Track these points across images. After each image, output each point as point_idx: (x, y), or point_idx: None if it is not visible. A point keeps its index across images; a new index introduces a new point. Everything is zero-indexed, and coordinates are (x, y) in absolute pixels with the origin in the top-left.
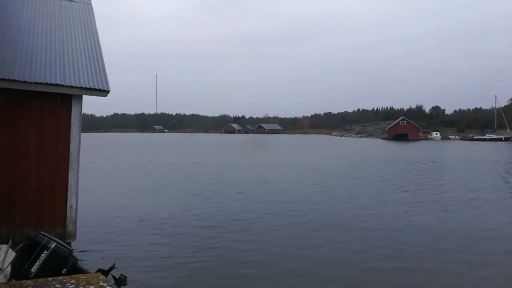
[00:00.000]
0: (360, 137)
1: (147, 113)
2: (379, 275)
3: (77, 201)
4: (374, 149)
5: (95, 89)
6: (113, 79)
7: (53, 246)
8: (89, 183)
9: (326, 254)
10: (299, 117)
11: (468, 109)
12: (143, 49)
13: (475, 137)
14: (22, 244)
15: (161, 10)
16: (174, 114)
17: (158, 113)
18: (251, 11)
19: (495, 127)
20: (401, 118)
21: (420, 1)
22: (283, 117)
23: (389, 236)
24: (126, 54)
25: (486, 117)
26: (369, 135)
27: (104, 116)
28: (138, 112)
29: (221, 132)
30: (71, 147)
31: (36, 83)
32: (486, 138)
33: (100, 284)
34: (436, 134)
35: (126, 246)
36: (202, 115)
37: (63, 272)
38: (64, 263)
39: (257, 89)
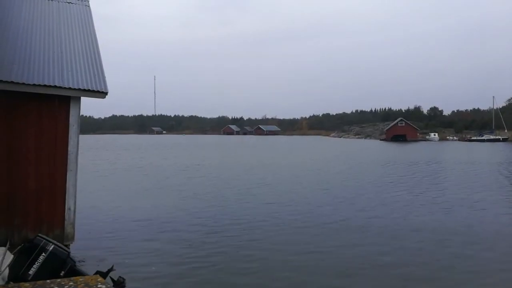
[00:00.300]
0: (358, 138)
1: (145, 115)
2: (380, 281)
3: (75, 203)
4: (372, 150)
5: (93, 91)
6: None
7: (51, 248)
8: (89, 185)
9: (325, 259)
10: (297, 118)
11: (466, 110)
12: (142, 50)
13: (473, 138)
14: (20, 247)
15: (161, 10)
16: (172, 115)
17: (156, 114)
18: (251, 11)
19: (493, 128)
20: (399, 119)
21: (420, 1)
22: (281, 118)
23: (390, 239)
24: (125, 55)
25: (484, 118)
26: (368, 136)
27: (102, 117)
28: (136, 114)
29: (219, 134)
30: (69, 148)
31: (34, 85)
32: (484, 139)
33: (99, 286)
34: (434, 135)
35: (124, 248)
36: (201, 117)
37: (61, 274)
38: (62, 265)
39: (256, 90)
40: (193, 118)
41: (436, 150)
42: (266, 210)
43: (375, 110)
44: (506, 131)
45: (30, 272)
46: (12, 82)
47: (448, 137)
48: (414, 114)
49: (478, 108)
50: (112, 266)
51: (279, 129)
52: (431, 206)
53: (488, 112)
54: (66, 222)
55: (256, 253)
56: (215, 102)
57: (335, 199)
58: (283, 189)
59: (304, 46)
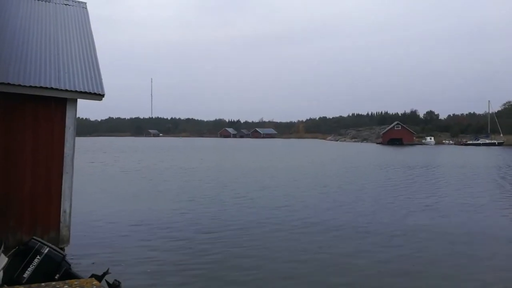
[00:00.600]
0: (355, 141)
1: (142, 117)
2: (380, 282)
3: (71, 205)
4: (369, 153)
5: (90, 93)
6: (108, 82)
7: (46, 251)
8: (85, 187)
9: (324, 263)
10: (294, 122)
11: (462, 114)
12: (140, 52)
13: (468, 142)
14: (14, 249)
15: (160, 11)
16: (169, 118)
17: (153, 117)
18: (249, 14)
19: (488, 132)
20: (396, 122)
21: (415, 6)
22: (278, 121)
23: (391, 242)
24: (122, 57)
25: (480, 122)
26: (364, 139)
27: (99, 120)
28: (133, 116)
29: (216, 136)
30: (65, 151)
31: (30, 86)
32: (480, 143)
33: None
34: (430, 138)
35: (120, 251)
36: (197, 119)
37: (56, 277)
38: (57, 268)
39: (253, 93)
40: (190, 121)
41: (433, 154)
42: (263, 214)
43: (371, 113)
44: (501, 135)
45: (25, 275)
46: (8, 83)
47: (444, 141)
48: (410, 118)
49: (474, 112)
50: (108, 269)
51: (276, 132)
52: (430, 211)
53: (484, 116)
54: (61, 225)
55: (254, 258)
56: (212, 105)
57: (333, 203)
58: (281, 193)
59: (301, 49)
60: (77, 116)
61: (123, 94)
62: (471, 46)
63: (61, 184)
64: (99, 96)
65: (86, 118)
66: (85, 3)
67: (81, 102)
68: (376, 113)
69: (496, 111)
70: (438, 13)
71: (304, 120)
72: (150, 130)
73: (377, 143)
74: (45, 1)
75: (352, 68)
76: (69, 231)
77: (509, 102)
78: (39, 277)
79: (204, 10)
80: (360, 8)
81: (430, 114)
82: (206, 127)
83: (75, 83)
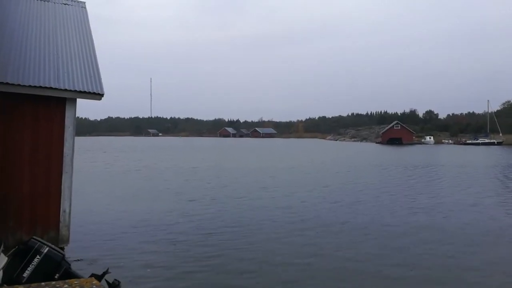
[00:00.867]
0: (354, 141)
1: (141, 117)
2: (381, 285)
3: (70, 205)
4: (369, 153)
5: (89, 93)
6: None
7: (45, 251)
8: (85, 187)
9: (324, 264)
10: (293, 121)
11: (461, 114)
12: (140, 52)
13: (468, 141)
14: (14, 249)
15: (160, 11)
16: (168, 117)
17: (153, 116)
18: (249, 14)
19: (488, 131)
20: (395, 122)
21: (414, 6)
22: (277, 121)
23: (392, 243)
24: (122, 57)
25: (479, 121)
26: (363, 139)
27: (98, 119)
28: (132, 116)
29: (215, 136)
30: (65, 150)
31: (29, 86)
32: (479, 142)
33: None
34: (430, 138)
35: (120, 251)
36: (197, 119)
37: (56, 277)
38: (57, 268)
39: (252, 93)
40: (189, 121)
41: (432, 153)
42: (264, 214)
43: (371, 113)
44: (501, 134)
45: (25, 274)
46: (7, 83)
47: (443, 141)
48: (409, 118)
49: (473, 111)
50: (107, 269)
51: (275, 132)
52: (431, 210)
53: (483, 115)
54: (61, 225)
55: (254, 257)
56: (212, 105)
57: (333, 202)
58: (281, 193)
59: (301, 49)
60: (77, 115)
61: (122, 93)
62: (471, 46)
63: (61, 184)
64: (98, 95)
65: (85, 118)
66: (84, 2)
67: (80, 102)
68: (376, 112)
69: (495, 111)
70: (438, 13)
71: (303, 119)
72: (149, 130)
73: (376, 143)
74: (44, 1)
75: (352, 68)
76: (69, 230)
77: (509, 101)
78: (39, 276)
79: (204, 10)
80: (360, 8)
81: (429, 113)
82: (206, 127)
83: (75, 82)
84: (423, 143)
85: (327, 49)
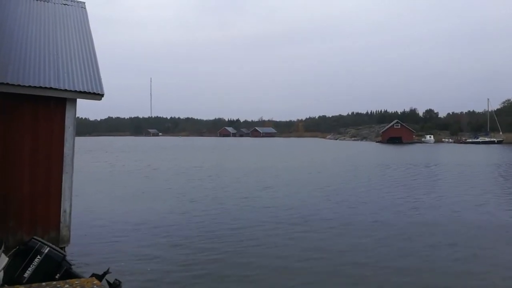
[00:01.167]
0: (354, 140)
1: (141, 117)
2: (384, 282)
3: (71, 205)
4: (369, 152)
5: (89, 93)
6: (108, 82)
7: (46, 251)
8: (86, 187)
9: (326, 265)
10: (293, 121)
11: (461, 112)
12: (139, 52)
13: (468, 140)
14: (15, 249)
15: (160, 11)
16: (168, 117)
17: (153, 116)
18: (249, 14)
19: (488, 130)
20: (395, 121)
21: (415, 5)
22: (277, 120)
23: (394, 241)
24: (122, 57)
25: (479, 120)
26: (364, 138)
27: (98, 119)
28: (132, 116)
29: (216, 136)
30: (65, 150)
31: (29, 86)
32: (479, 141)
33: None
34: (430, 137)
35: (121, 251)
36: (197, 119)
37: (56, 277)
38: (58, 268)
39: (252, 92)
40: (189, 120)
41: (433, 152)
42: (265, 214)
43: (371, 112)
44: (501, 133)
45: (25, 275)
46: (7, 83)
47: (443, 139)
48: (409, 116)
49: (473, 110)
50: (108, 269)
51: (275, 131)
52: (434, 209)
53: (483, 114)
54: (61, 225)
55: (255, 259)
56: (212, 104)
57: (336, 202)
58: (282, 193)
59: (301, 49)
60: (77, 115)
61: (122, 93)
62: (471, 46)
63: (61, 184)
64: (98, 96)
65: (85, 118)
66: (84, 2)
67: (80, 102)
68: (376, 111)
69: (495, 109)
70: (438, 13)
71: (303, 119)
72: (149, 130)
73: (376, 142)
74: (44, 1)
75: (352, 68)
76: (70, 231)
77: (509, 100)
78: (39, 276)
79: (204, 10)
80: (360, 8)
81: (429, 112)
82: (206, 126)
83: (75, 83)
84: (423, 142)
85: (327, 49)
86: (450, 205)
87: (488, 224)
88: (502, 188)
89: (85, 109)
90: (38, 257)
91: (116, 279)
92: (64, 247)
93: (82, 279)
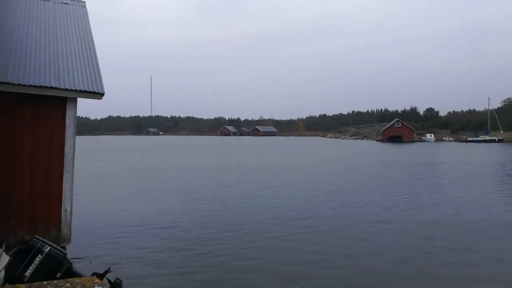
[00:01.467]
0: (355, 139)
1: (141, 116)
2: (390, 283)
3: (71, 204)
4: (370, 151)
5: (90, 92)
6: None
7: (47, 250)
8: (86, 187)
9: (328, 265)
10: (294, 119)
11: (462, 111)
12: (140, 51)
13: (468, 139)
14: (16, 248)
15: (160, 11)
16: (169, 116)
17: (153, 115)
18: (250, 13)
19: (488, 128)
20: (396, 120)
21: (415, 4)
22: (278, 119)
23: (398, 242)
24: (122, 56)
25: (480, 119)
26: (364, 137)
27: (99, 118)
28: (133, 115)
29: (216, 135)
30: (65, 150)
31: (30, 85)
32: (480, 140)
33: (95, 287)
34: (430, 135)
35: (122, 250)
36: (197, 117)
37: (57, 276)
38: (59, 267)
39: (253, 91)
40: (189, 119)
41: (433, 151)
42: (267, 215)
43: (371, 111)
44: (501, 131)
45: (26, 274)
46: (7, 83)
47: (444, 138)
48: (410, 115)
49: (473, 109)
50: (109, 268)
51: (276, 130)
52: (438, 209)
53: (484, 113)
54: (62, 224)
55: (257, 257)
56: (212, 103)
57: (337, 201)
58: (284, 192)
59: (301, 49)
60: (77, 115)
61: (123, 93)
62: (471, 45)
63: (62, 183)
64: (99, 95)
65: (86, 117)
66: (84, 2)
67: (80, 101)
68: (376, 110)
69: (496, 108)
70: (438, 13)
71: (304, 117)
72: (150, 129)
73: (377, 141)
74: (44, 0)
75: (353, 68)
76: (70, 230)
77: (509, 98)
78: (40, 275)
79: (204, 10)
80: (360, 8)
81: (430, 111)
82: (206, 125)
83: (75, 82)
84: (424, 140)
85: (327, 49)
86: (453, 204)
87: (491, 223)
88: (508, 187)
89: (86, 108)
90: (39, 256)
91: (117, 278)
92: (65, 246)
93: (83, 278)
